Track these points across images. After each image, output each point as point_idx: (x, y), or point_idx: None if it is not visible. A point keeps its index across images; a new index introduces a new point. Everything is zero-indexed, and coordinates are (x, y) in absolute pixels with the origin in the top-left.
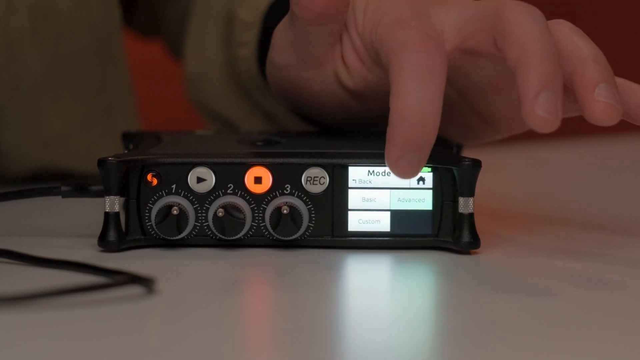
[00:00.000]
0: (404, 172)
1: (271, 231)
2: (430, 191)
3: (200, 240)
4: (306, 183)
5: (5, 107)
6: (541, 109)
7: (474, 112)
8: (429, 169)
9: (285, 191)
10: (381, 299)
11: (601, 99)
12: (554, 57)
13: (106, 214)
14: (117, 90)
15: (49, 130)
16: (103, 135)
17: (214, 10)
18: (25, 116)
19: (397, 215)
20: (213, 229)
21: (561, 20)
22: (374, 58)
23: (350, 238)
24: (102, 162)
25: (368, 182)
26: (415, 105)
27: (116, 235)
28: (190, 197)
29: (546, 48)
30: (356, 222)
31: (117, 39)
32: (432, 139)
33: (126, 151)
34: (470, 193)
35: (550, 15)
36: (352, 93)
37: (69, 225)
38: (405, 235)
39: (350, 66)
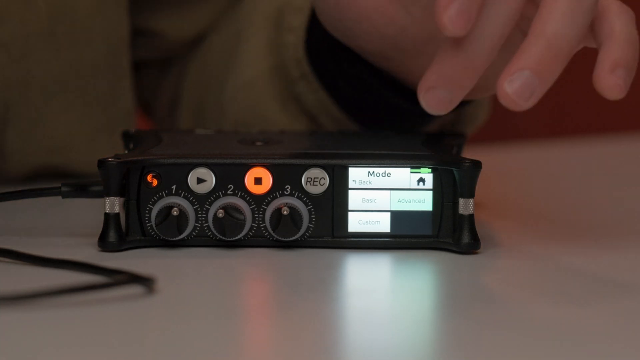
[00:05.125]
0: (432, 106)
1: (271, 232)
2: (430, 192)
3: (200, 241)
4: (306, 184)
5: (14, 105)
6: (616, 78)
7: None
8: (429, 170)
9: (285, 192)
10: (381, 299)
11: (613, 78)
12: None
13: (106, 214)
14: (124, 106)
15: (55, 138)
16: (107, 149)
17: (261, 13)
18: (33, 120)
19: (397, 216)
20: (213, 229)
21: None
22: None
23: (350, 239)
24: (102, 163)
25: (368, 182)
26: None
27: (116, 236)
28: (191, 198)
29: (633, 37)
30: (356, 223)
31: (126, 53)
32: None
33: (126, 151)
34: (470, 194)
35: None
36: None
37: (69, 225)
38: (406, 236)
39: None
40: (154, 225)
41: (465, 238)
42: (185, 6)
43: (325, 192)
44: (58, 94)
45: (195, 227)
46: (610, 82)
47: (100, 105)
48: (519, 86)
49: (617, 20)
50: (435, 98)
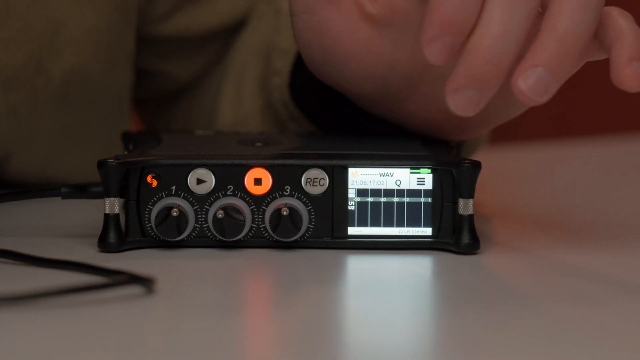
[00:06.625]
0: (460, 107)
1: (271, 233)
2: (430, 192)
3: (200, 241)
4: (306, 184)
5: (15, 154)
6: (634, 69)
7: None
8: (429, 170)
9: (285, 192)
10: (381, 299)
11: (632, 70)
12: None
13: (106, 215)
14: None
15: (55, 172)
16: None
17: (252, 50)
18: (35, 163)
19: (397, 217)
20: (213, 230)
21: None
22: None
23: (350, 239)
24: (102, 164)
25: (368, 183)
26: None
27: (116, 236)
28: (190, 199)
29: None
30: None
31: (130, 98)
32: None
33: (126, 152)
34: (470, 194)
35: None
36: (377, 27)
37: (69, 225)
38: (405, 237)
39: None
40: (153, 226)
41: (465, 238)
42: (190, 48)
43: (325, 192)
44: (62, 142)
45: (195, 227)
46: (629, 73)
47: (103, 146)
48: (533, 82)
49: (622, 20)
50: (464, 99)
